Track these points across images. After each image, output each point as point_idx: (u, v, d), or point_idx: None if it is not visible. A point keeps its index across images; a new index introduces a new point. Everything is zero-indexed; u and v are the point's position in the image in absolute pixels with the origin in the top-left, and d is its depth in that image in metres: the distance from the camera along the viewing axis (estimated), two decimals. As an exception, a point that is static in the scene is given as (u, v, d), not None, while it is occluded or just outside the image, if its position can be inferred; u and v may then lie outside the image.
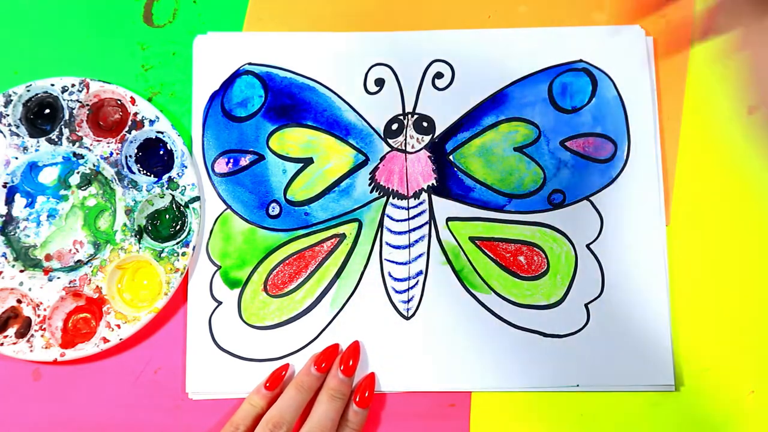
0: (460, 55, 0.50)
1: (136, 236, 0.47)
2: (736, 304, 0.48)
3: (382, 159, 0.49)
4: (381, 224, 0.48)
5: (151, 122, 0.48)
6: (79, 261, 0.47)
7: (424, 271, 0.48)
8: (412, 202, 0.49)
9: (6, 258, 0.46)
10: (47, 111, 0.49)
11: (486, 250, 0.48)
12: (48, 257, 0.47)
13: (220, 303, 0.47)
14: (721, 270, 0.49)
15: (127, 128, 0.48)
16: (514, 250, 0.48)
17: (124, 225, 0.47)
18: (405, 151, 0.49)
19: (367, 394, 0.44)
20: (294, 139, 0.49)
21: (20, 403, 0.46)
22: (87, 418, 0.46)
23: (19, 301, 0.46)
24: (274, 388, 0.45)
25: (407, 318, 0.47)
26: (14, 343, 0.45)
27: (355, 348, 0.46)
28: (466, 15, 0.51)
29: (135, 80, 0.50)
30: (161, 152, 0.49)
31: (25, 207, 0.48)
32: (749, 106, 0.51)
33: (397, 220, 0.48)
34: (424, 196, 0.49)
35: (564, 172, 0.49)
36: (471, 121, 0.50)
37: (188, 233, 0.47)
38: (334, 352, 0.45)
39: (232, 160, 0.49)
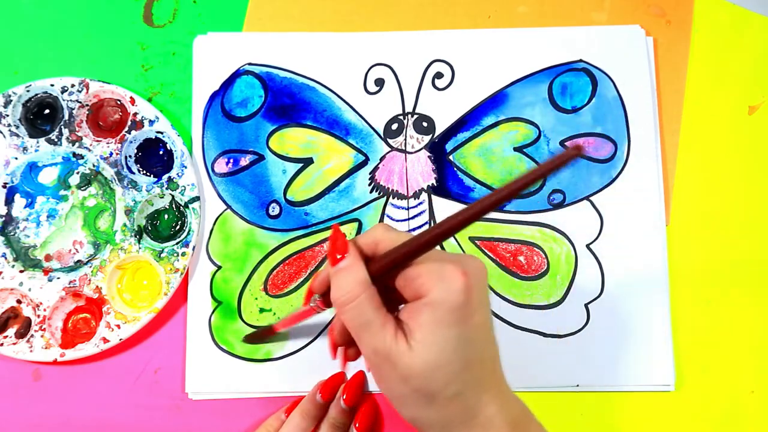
0: (460, 55, 0.50)
1: (135, 236, 0.47)
2: (736, 304, 0.48)
3: (382, 159, 0.49)
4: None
5: (151, 122, 0.48)
6: (78, 261, 0.47)
7: (424, 271, 0.48)
8: (412, 202, 0.49)
9: (6, 258, 0.46)
10: (47, 111, 0.49)
11: (486, 250, 0.48)
12: (48, 257, 0.47)
13: (220, 303, 0.47)
14: (721, 270, 0.49)
15: (126, 128, 0.48)
16: (514, 250, 0.48)
17: (124, 225, 0.47)
18: (405, 151, 0.49)
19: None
20: (294, 139, 0.49)
21: (20, 403, 0.46)
22: (87, 418, 0.46)
23: (19, 302, 0.46)
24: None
25: (407, 318, 0.47)
26: (14, 344, 0.45)
27: (358, 377, 0.46)
28: (466, 15, 0.51)
29: (135, 80, 0.50)
30: (161, 152, 0.49)
31: (25, 207, 0.48)
32: (749, 106, 0.51)
33: (397, 220, 0.48)
34: (424, 196, 0.49)
35: (564, 172, 0.49)
36: (471, 121, 0.50)
37: (188, 233, 0.47)
38: (340, 381, 0.45)
39: (232, 160, 0.49)
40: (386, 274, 0.33)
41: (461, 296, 0.31)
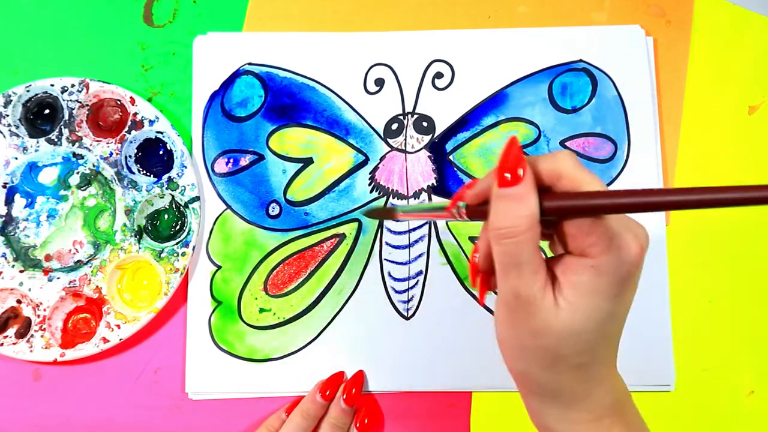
0: (460, 55, 0.50)
1: (135, 236, 0.47)
2: (736, 305, 0.48)
3: (382, 159, 0.49)
4: (381, 224, 0.48)
5: (151, 122, 0.48)
6: (78, 261, 0.47)
7: (423, 271, 0.48)
8: (412, 201, 0.49)
9: (6, 258, 0.46)
10: (47, 111, 0.49)
11: (486, 250, 0.48)
12: (48, 257, 0.47)
13: (220, 303, 0.47)
14: (720, 270, 0.49)
15: (126, 128, 0.48)
16: (514, 250, 0.48)
17: (124, 225, 0.47)
18: (405, 151, 0.49)
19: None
20: (294, 139, 0.49)
21: (20, 403, 0.46)
22: (87, 418, 0.46)
23: (19, 302, 0.46)
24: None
25: (407, 318, 0.47)
26: (14, 343, 0.45)
27: (358, 377, 0.46)
28: (466, 15, 0.51)
29: (135, 80, 0.50)
30: (161, 152, 0.48)
31: (25, 207, 0.48)
32: (749, 106, 0.51)
33: (397, 220, 0.48)
34: (424, 196, 0.49)
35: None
36: (471, 121, 0.50)
37: (188, 233, 0.47)
38: (340, 380, 0.45)
39: (232, 160, 0.49)
40: (559, 217, 0.29)
41: (630, 270, 0.28)
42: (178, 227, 0.48)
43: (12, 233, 0.47)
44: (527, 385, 0.31)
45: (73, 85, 0.48)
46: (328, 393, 0.44)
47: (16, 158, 0.47)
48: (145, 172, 0.48)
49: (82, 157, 0.48)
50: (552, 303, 0.28)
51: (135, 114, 0.48)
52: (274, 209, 0.48)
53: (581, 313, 0.28)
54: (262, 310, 0.47)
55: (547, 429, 0.31)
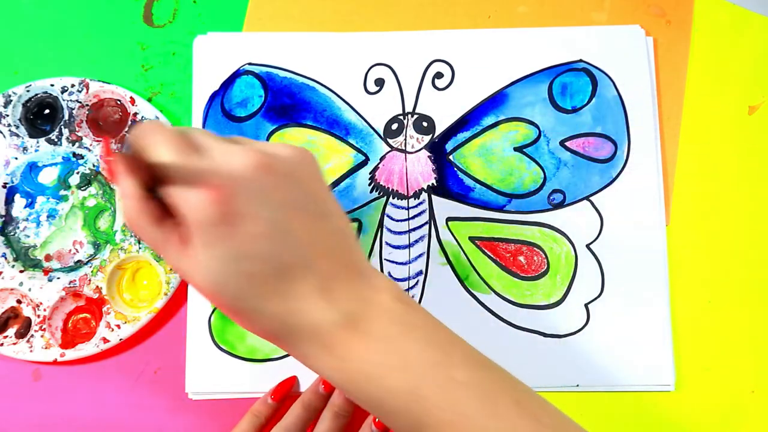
0: (460, 55, 0.50)
1: (135, 236, 0.47)
2: (736, 304, 0.48)
3: (382, 159, 0.49)
4: (381, 224, 0.48)
5: (151, 122, 0.48)
6: (79, 261, 0.47)
7: (423, 271, 0.48)
8: (412, 202, 0.49)
9: (6, 258, 0.46)
10: (47, 111, 0.49)
11: (486, 250, 0.48)
12: (48, 257, 0.47)
13: (220, 303, 0.47)
14: (721, 270, 0.49)
15: (126, 128, 0.48)
16: (514, 250, 0.48)
17: (124, 225, 0.47)
18: (405, 151, 0.49)
19: None
20: (294, 139, 0.49)
21: (20, 403, 0.46)
22: (87, 418, 0.46)
23: (19, 302, 0.46)
24: (279, 400, 0.44)
25: (407, 318, 0.47)
26: (14, 343, 0.45)
27: None
28: (466, 15, 0.51)
29: (135, 80, 0.50)
30: (161, 152, 0.48)
31: (25, 207, 0.48)
32: (749, 106, 0.51)
33: (397, 220, 0.48)
34: (424, 196, 0.49)
35: (564, 172, 0.49)
36: (471, 121, 0.50)
37: (188, 233, 0.47)
38: None
39: (232, 160, 0.49)
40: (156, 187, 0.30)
41: (211, 211, 0.28)
42: (178, 227, 0.48)
43: (12, 233, 0.47)
44: (282, 346, 0.32)
45: (73, 85, 0.48)
46: (331, 384, 0.44)
47: (16, 158, 0.47)
48: (145, 172, 0.48)
49: (82, 157, 0.48)
50: (191, 268, 0.29)
51: (135, 114, 0.48)
52: (274, 209, 0.48)
53: (206, 268, 0.29)
54: (262, 310, 0.47)
55: (314, 370, 0.32)
